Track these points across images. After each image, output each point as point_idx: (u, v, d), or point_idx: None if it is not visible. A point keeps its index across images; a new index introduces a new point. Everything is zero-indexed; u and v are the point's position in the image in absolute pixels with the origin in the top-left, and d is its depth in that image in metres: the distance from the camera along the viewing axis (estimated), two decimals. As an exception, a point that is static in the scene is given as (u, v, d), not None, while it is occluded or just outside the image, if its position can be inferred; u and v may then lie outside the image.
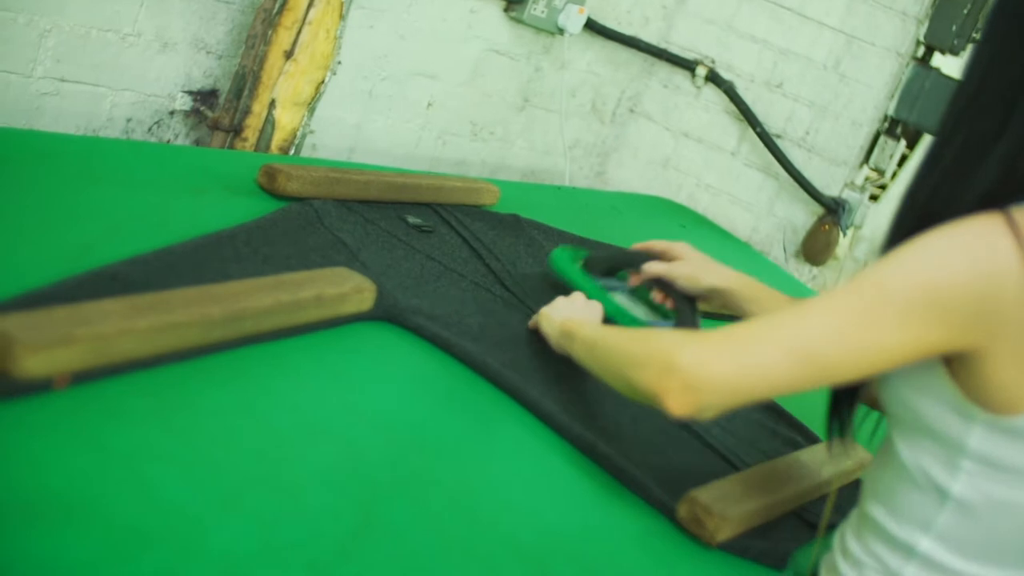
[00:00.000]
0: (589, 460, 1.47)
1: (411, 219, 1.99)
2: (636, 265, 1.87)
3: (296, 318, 1.40)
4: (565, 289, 1.83)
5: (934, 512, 1.18)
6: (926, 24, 3.28)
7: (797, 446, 1.82)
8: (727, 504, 1.40)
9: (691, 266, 1.75)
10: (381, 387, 1.43)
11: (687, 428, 1.69)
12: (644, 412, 1.66)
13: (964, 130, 1.17)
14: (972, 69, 1.20)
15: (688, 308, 1.76)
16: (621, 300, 1.86)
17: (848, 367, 1.13)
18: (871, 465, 1.29)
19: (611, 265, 1.93)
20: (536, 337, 1.74)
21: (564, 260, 1.94)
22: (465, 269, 1.91)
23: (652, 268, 1.77)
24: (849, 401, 1.31)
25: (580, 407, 1.59)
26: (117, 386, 1.13)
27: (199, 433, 1.14)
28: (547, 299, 1.77)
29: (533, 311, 1.80)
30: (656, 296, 1.84)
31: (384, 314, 1.58)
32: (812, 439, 1.88)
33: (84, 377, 1.10)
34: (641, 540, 1.35)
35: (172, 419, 1.14)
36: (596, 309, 1.69)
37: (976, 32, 3.30)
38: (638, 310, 1.86)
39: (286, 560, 1.00)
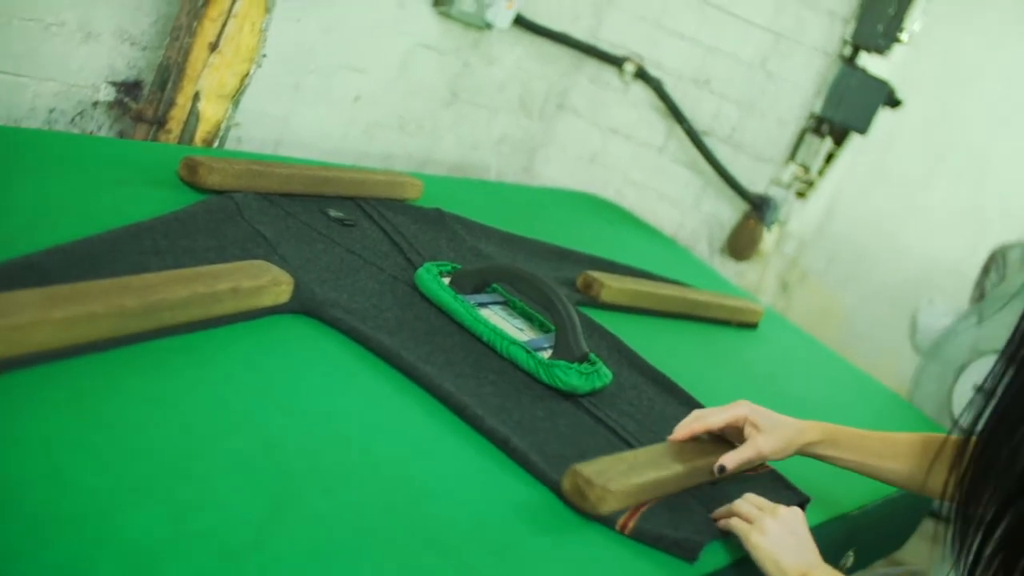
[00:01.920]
0: (503, 453, 1.48)
1: (332, 212, 1.99)
2: (508, 279, 1.87)
3: (212, 310, 1.41)
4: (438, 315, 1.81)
5: None
6: (853, 24, 3.33)
7: (714, 444, 1.82)
8: (610, 477, 1.41)
9: (773, 438, 1.65)
10: (297, 379, 1.43)
11: (602, 421, 1.70)
12: (560, 407, 1.68)
13: None
14: None
15: (567, 321, 1.76)
16: (494, 317, 1.84)
17: None
18: None
19: (481, 279, 1.89)
20: (454, 329, 1.75)
21: (430, 279, 1.86)
22: (385, 263, 1.91)
23: (740, 456, 1.62)
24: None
25: (495, 399, 1.60)
26: (31, 376, 1.13)
27: (113, 422, 1.14)
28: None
29: None
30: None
31: (301, 307, 1.59)
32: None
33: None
34: (556, 534, 1.37)
35: (86, 408, 1.14)
36: (801, 521, 1.50)
37: (901, 32, 3.36)
38: (514, 325, 1.85)
39: (198, 548, 1.01)
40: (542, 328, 1.88)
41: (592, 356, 1.78)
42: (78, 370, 1.19)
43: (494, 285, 1.93)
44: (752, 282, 5.19)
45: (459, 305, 1.79)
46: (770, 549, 1.43)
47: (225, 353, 1.39)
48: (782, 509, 1.48)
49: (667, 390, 1.95)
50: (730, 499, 1.58)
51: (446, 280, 1.87)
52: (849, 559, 1.99)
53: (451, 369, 1.63)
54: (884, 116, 4.83)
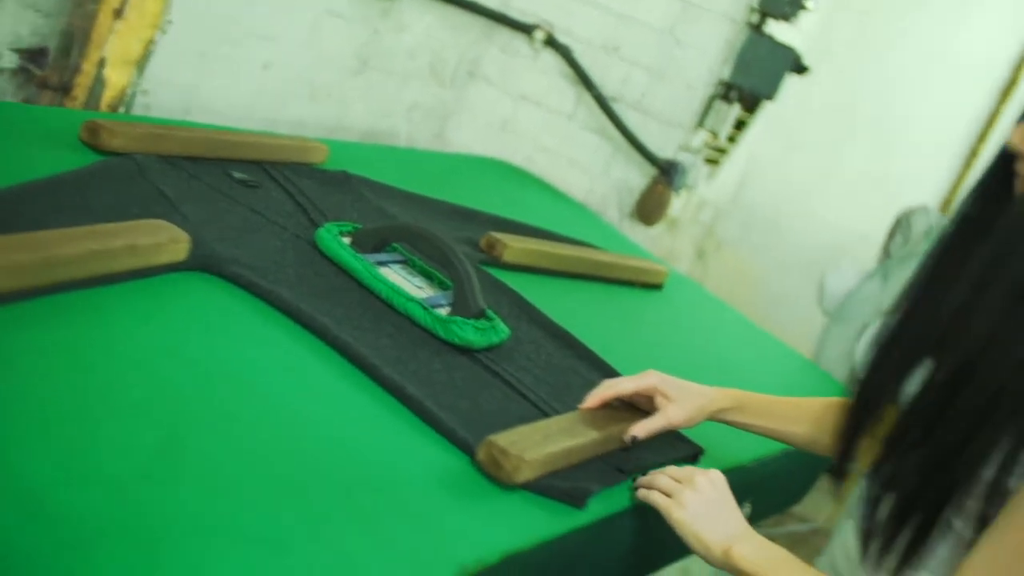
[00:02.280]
0: (399, 402, 1.52)
1: (236, 174, 2.01)
2: (407, 238, 1.90)
3: (109, 266, 1.43)
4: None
5: None
6: (759, -10, 3.38)
7: None
8: (525, 447, 1.45)
9: (683, 407, 1.69)
10: (193, 329, 1.46)
11: (499, 375, 1.74)
12: (456, 358, 1.71)
13: None
14: None
15: (464, 277, 1.80)
16: (394, 275, 1.88)
17: None
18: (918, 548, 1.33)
19: (381, 239, 1.92)
20: (354, 286, 1.78)
21: (330, 237, 1.89)
22: (288, 222, 1.93)
23: (651, 425, 1.66)
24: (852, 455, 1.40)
25: (392, 352, 1.63)
26: None
27: (4, 371, 1.17)
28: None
29: None
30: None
31: (201, 264, 1.61)
32: None
33: None
34: (446, 479, 1.40)
35: None
36: (723, 488, 1.50)
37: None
38: (413, 283, 1.88)
39: (83, 482, 1.05)
40: (441, 286, 1.92)
41: (489, 312, 1.82)
42: None
43: (394, 244, 1.96)
44: (668, 249, 5.25)
45: (358, 263, 1.83)
46: (691, 524, 1.44)
47: (121, 307, 1.42)
48: (700, 479, 1.48)
49: (567, 344, 1.99)
50: (640, 462, 1.64)
51: (347, 240, 1.90)
52: (747, 510, 2.04)
53: (349, 322, 1.67)
54: (798, 85, 4.91)
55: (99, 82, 2.28)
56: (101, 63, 2.26)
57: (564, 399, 1.76)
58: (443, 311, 1.79)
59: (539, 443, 1.48)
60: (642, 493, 1.54)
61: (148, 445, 1.15)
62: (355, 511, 1.24)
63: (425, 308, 1.76)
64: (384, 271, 1.86)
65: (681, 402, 1.68)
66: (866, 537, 1.37)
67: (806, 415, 1.74)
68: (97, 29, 2.24)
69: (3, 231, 1.36)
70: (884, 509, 1.34)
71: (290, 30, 2.86)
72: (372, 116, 3.29)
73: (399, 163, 2.77)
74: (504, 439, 1.45)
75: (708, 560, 1.43)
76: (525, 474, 1.43)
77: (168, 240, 1.53)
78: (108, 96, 2.30)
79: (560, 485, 1.48)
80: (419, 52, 3.33)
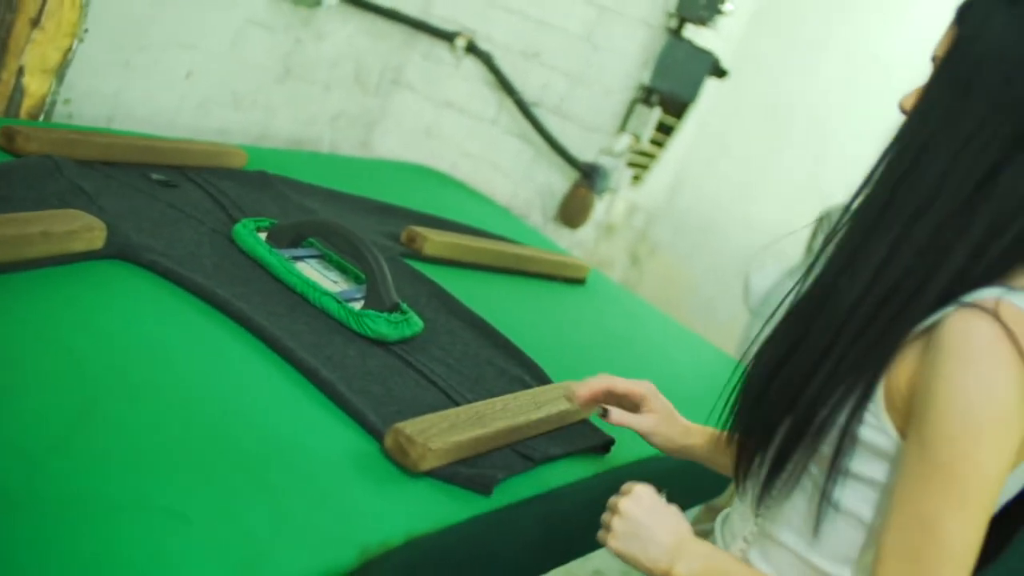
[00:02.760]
0: (312, 385, 1.56)
1: (155, 176, 2.04)
2: (322, 232, 1.94)
3: (22, 252, 1.47)
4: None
5: (864, 549, 1.35)
6: (675, -3, 3.46)
7: (525, 385, 1.91)
8: (431, 436, 1.48)
9: (664, 424, 1.71)
10: (109, 310, 1.50)
11: (412, 365, 1.78)
12: (371, 348, 1.76)
13: (935, 213, 1.28)
14: (927, 152, 1.30)
15: (377, 272, 1.84)
16: (310, 270, 1.92)
17: (991, 512, 1.25)
18: (770, 489, 1.41)
19: (297, 234, 1.96)
20: (269, 280, 1.83)
21: (246, 233, 1.92)
22: (206, 218, 1.97)
23: (625, 420, 1.69)
24: (752, 459, 1.44)
25: (309, 337, 1.67)
26: None
27: None
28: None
29: None
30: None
31: (117, 252, 1.65)
32: (541, 379, 1.97)
33: None
34: (354, 462, 1.44)
35: None
36: (648, 505, 1.45)
37: (722, 4, 3.50)
38: (328, 277, 1.92)
39: None
40: (356, 280, 1.96)
41: (403, 306, 1.86)
42: None
43: (310, 239, 2.00)
44: (603, 255, 5.32)
45: (274, 258, 1.87)
46: (626, 551, 1.42)
47: (35, 289, 1.45)
48: (623, 504, 1.44)
49: (484, 335, 2.04)
50: (548, 451, 1.68)
51: (263, 235, 1.93)
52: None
53: (265, 308, 1.71)
54: (728, 90, 4.99)
55: (18, 91, 2.31)
56: (19, 72, 2.29)
57: (476, 389, 1.81)
58: (357, 305, 1.83)
59: (446, 431, 1.51)
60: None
61: (60, 419, 1.18)
62: (261, 487, 1.28)
63: (339, 302, 1.81)
64: (300, 266, 1.90)
65: (664, 420, 1.71)
66: (739, 477, 1.46)
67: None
68: (14, 38, 2.27)
69: None
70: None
71: (212, 39, 2.90)
72: (297, 124, 3.34)
73: (322, 169, 2.81)
74: (411, 427, 1.48)
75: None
76: (430, 462, 1.47)
77: (82, 228, 1.57)
78: (27, 104, 2.33)
79: (466, 472, 1.51)
80: (342, 60, 3.38)
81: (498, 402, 1.72)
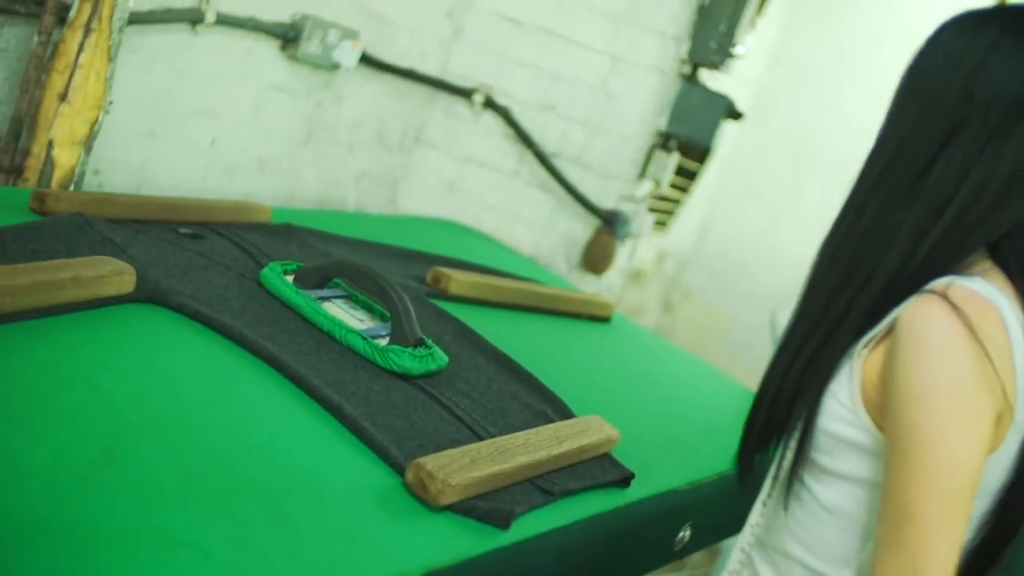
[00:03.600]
0: (336, 420, 1.61)
1: (182, 230, 2.11)
2: (347, 273, 2.00)
3: (54, 297, 1.54)
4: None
5: (858, 549, 1.42)
6: (687, 43, 3.53)
7: (547, 420, 1.94)
8: (452, 471, 1.52)
9: None
10: (138, 351, 1.57)
11: (437, 399, 1.83)
12: (396, 382, 1.80)
13: (879, 200, 1.43)
14: (883, 145, 1.45)
15: (401, 308, 1.90)
16: (335, 309, 1.97)
17: (971, 484, 1.31)
18: (771, 505, 1.51)
19: (323, 275, 2.02)
20: (296, 319, 1.89)
21: (274, 276, 1.98)
22: (234, 264, 2.03)
23: None
24: (759, 448, 1.53)
25: (334, 374, 1.73)
26: None
27: None
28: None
29: None
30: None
31: (147, 296, 1.71)
32: (564, 413, 2.00)
33: None
34: (375, 495, 1.49)
35: None
36: None
37: (733, 48, 3.57)
38: (354, 316, 1.98)
39: (26, 485, 1.15)
40: (382, 318, 2.02)
41: (428, 341, 1.92)
42: None
43: (336, 280, 2.06)
44: (635, 303, 5.37)
45: (301, 299, 1.93)
46: None
47: (65, 331, 1.52)
48: None
49: (507, 369, 2.08)
50: (567, 485, 1.72)
51: (290, 278, 2.00)
52: (686, 536, 2.10)
53: (292, 346, 1.76)
54: (751, 133, 5.05)
55: (48, 163, 2.39)
56: (49, 145, 2.38)
57: (499, 423, 1.84)
58: (383, 341, 1.89)
59: (466, 467, 1.55)
60: None
61: (85, 453, 1.24)
62: (281, 521, 1.33)
63: (364, 338, 1.86)
64: (326, 306, 1.96)
65: None
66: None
67: None
68: (43, 113, 2.36)
69: None
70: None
71: (234, 106, 2.98)
72: (322, 186, 3.42)
73: (347, 225, 2.87)
74: (432, 462, 1.52)
75: None
76: (449, 497, 1.50)
77: (111, 272, 1.64)
78: (58, 176, 2.42)
79: (484, 506, 1.55)
80: (364, 121, 3.46)
81: (520, 436, 1.75)
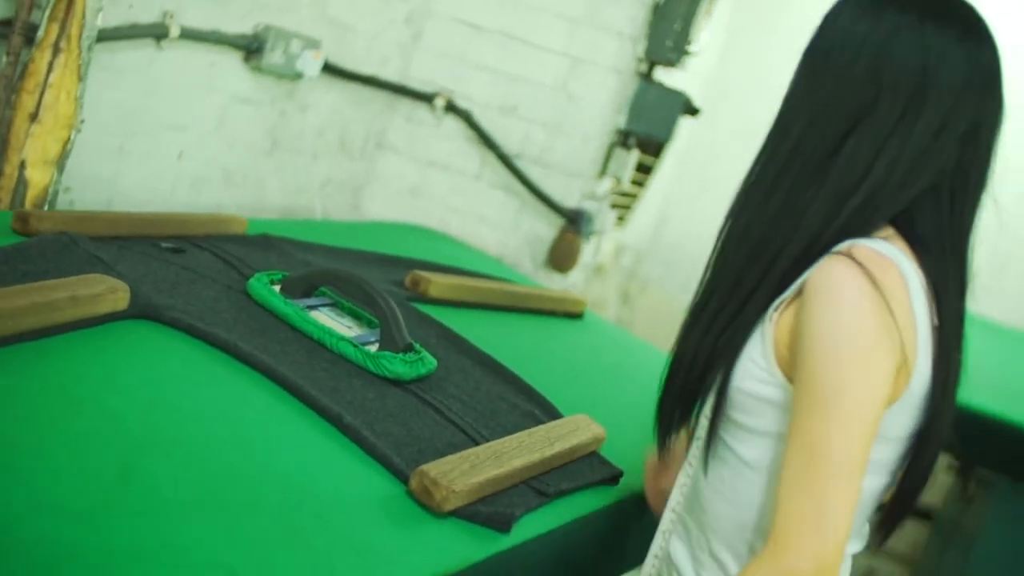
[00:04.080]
0: (336, 430, 1.64)
1: (164, 244, 2.13)
2: (333, 281, 2.03)
3: (52, 318, 1.56)
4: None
5: None
6: (643, 42, 3.57)
7: (536, 420, 1.98)
8: (455, 477, 1.55)
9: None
10: (138, 369, 1.59)
11: (429, 403, 1.86)
12: (389, 389, 1.83)
13: (789, 179, 1.48)
14: (789, 125, 1.50)
15: (389, 315, 1.93)
16: (324, 318, 1.99)
17: (872, 431, 1.39)
18: (696, 465, 1.58)
19: (309, 284, 2.05)
20: (286, 328, 1.92)
21: (261, 286, 2.00)
22: (219, 276, 2.05)
23: None
24: (681, 416, 1.61)
25: (328, 382, 1.75)
26: None
27: None
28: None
29: None
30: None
31: (140, 312, 1.73)
32: (551, 413, 2.04)
33: None
34: (380, 504, 1.52)
35: None
36: None
37: (688, 45, 3.61)
38: (342, 322, 2.00)
39: (54, 512, 1.17)
40: (369, 325, 2.04)
41: (416, 346, 1.94)
42: None
43: (322, 288, 2.08)
44: (596, 297, 5.41)
45: (289, 308, 1.95)
46: None
47: (67, 352, 1.54)
48: None
49: (493, 371, 2.12)
50: (560, 485, 1.76)
51: (276, 287, 2.02)
52: None
53: (286, 357, 1.79)
54: (702, 128, 5.10)
55: (21, 183, 2.40)
56: (22, 165, 2.39)
57: (491, 425, 1.88)
58: (372, 348, 1.91)
59: (467, 472, 1.59)
60: None
61: (102, 477, 1.27)
62: (296, 535, 1.35)
63: (355, 346, 1.88)
64: (314, 314, 1.98)
65: None
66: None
67: None
68: (14, 133, 2.37)
69: None
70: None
71: (200, 119, 3.00)
72: (287, 194, 3.43)
73: (317, 234, 2.89)
74: (435, 469, 1.55)
75: None
76: (453, 503, 1.54)
77: (106, 290, 1.66)
78: (31, 195, 2.42)
79: (486, 511, 1.58)
80: (327, 128, 3.48)
81: (514, 439, 1.79)
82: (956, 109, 1.45)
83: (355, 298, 2.02)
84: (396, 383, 1.88)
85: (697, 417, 1.60)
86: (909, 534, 4.67)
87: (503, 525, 1.59)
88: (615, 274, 5.98)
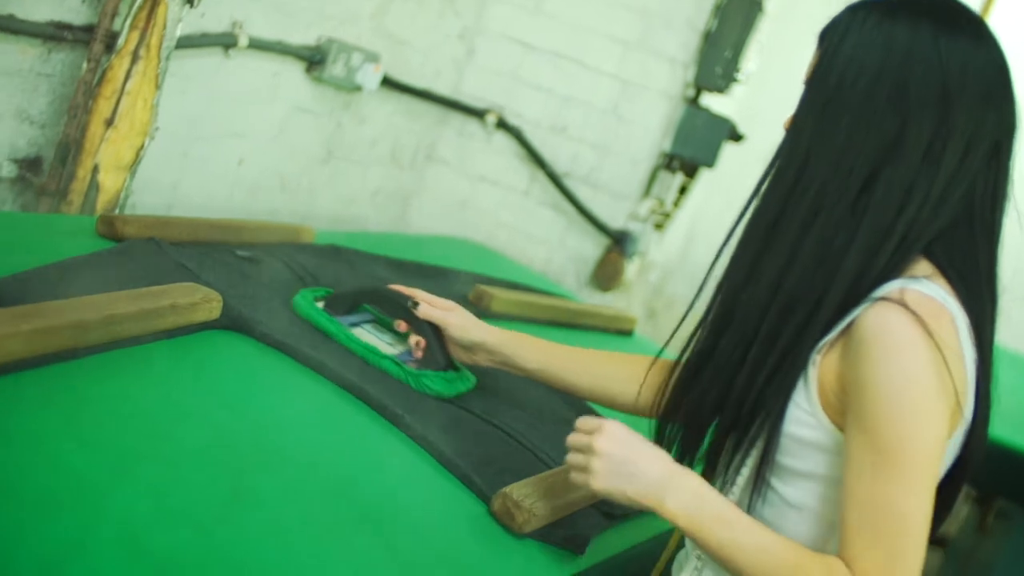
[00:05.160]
0: (421, 448, 1.68)
1: (239, 252, 2.18)
2: (376, 299, 2.05)
3: (156, 324, 1.61)
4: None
5: (823, 539, 1.47)
6: (693, 68, 3.62)
7: None
8: (534, 501, 1.59)
9: (462, 317, 1.87)
10: (238, 381, 1.64)
11: (496, 426, 1.89)
12: (457, 410, 1.87)
13: (817, 226, 1.42)
14: (806, 168, 1.43)
15: (435, 340, 1.94)
16: (366, 335, 2.01)
17: (936, 480, 1.37)
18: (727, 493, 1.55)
19: (353, 301, 2.06)
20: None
21: (306, 304, 2.02)
22: (293, 287, 2.10)
23: (427, 313, 1.87)
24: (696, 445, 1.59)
25: (411, 402, 1.80)
26: (9, 381, 1.34)
27: (87, 415, 1.35)
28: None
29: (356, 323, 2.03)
30: (400, 326, 1.99)
31: (231, 323, 1.78)
32: None
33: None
34: (466, 522, 1.56)
35: (61, 406, 1.35)
36: (623, 439, 1.47)
37: (737, 73, 3.66)
38: (383, 339, 2.01)
39: (177, 525, 1.21)
40: (407, 339, 2.04)
41: (456, 363, 1.97)
42: (47, 376, 1.39)
43: (365, 305, 2.11)
44: (622, 307, 5.44)
45: (333, 326, 1.97)
46: (614, 489, 1.44)
47: (166, 360, 1.60)
48: (597, 443, 1.45)
49: (554, 390, 2.15)
50: (626, 509, 1.73)
51: (320, 304, 2.05)
52: None
53: (369, 374, 1.83)
54: (732, 149, 5.14)
55: (93, 187, 2.45)
56: (95, 169, 2.44)
57: (559, 447, 1.91)
58: (414, 365, 1.94)
59: (544, 496, 1.63)
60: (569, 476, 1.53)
61: (218, 490, 1.31)
62: (396, 552, 1.40)
63: (397, 363, 1.91)
64: (357, 331, 2.01)
65: (463, 315, 1.89)
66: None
67: (598, 362, 1.88)
68: (89, 138, 2.42)
69: (58, 296, 1.54)
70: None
71: (261, 127, 3.05)
72: (339, 203, 3.48)
73: (373, 246, 2.94)
74: (516, 492, 1.60)
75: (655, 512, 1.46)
76: (533, 525, 1.58)
77: (202, 299, 1.71)
78: (103, 200, 2.47)
79: (562, 533, 1.63)
80: (380, 140, 3.53)
81: None
82: (980, 124, 1.40)
83: (396, 316, 2.05)
84: (463, 405, 1.91)
85: (734, 459, 1.54)
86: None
87: (578, 547, 1.63)
88: (640, 290, 6.01)
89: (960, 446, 1.46)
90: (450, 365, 1.95)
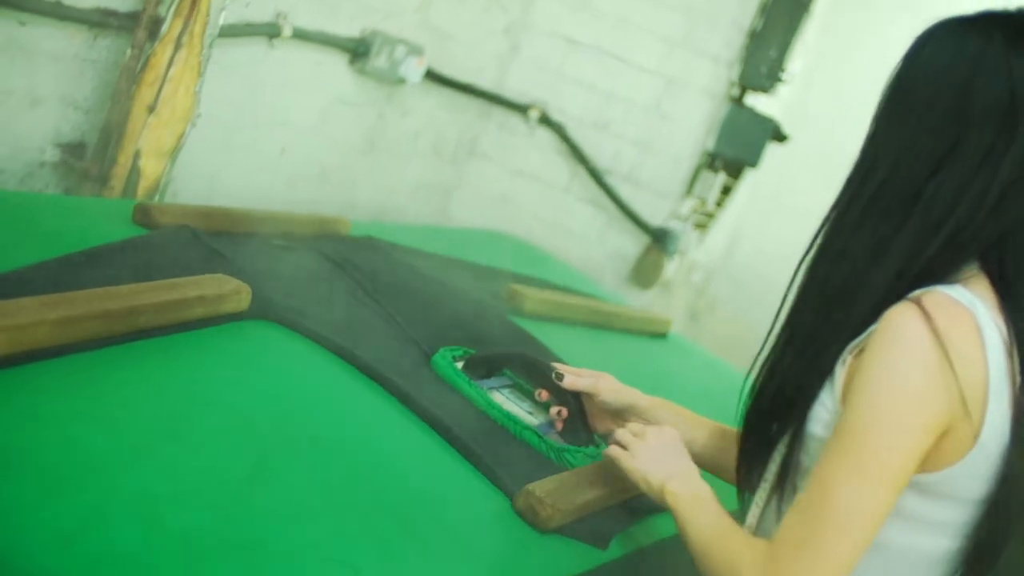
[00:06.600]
0: (444, 441, 1.69)
1: (276, 242, 2.19)
2: (518, 365, 2.03)
3: (183, 315, 1.63)
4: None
5: None
6: (737, 67, 3.60)
7: None
8: (559, 497, 1.60)
9: (612, 382, 1.88)
10: (264, 369, 1.65)
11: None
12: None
13: (872, 221, 1.43)
14: (872, 168, 1.45)
15: (578, 413, 1.91)
16: (505, 401, 1.98)
17: (895, 484, 1.35)
18: (762, 507, 1.55)
19: (493, 365, 2.05)
20: (395, 333, 1.96)
21: (445, 364, 2.01)
22: (329, 276, 2.13)
23: (573, 383, 1.86)
24: (760, 457, 1.56)
25: (438, 396, 1.81)
26: (35, 368, 1.36)
27: (109, 400, 1.37)
28: (403, 306, 2.05)
29: (392, 315, 2.04)
30: (541, 395, 1.96)
31: (261, 314, 1.79)
32: None
33: (4, 363, 1.33)
34: (489, 514, 1.57)
35: (85, 390, 1.37)
36: (671, 440, 1.67)
37: (782, 72, 3.64)
38: (523, 407, 1.98)
39: (193, 503, 1.23)
40: (545, 408, 2.01)
41: (596, 437, 1.95)
42: (73, 364, 1.41)
43: (505, 370, 2.08)
44: (662, 312, 5.43)
45: (473, 391, 1.95)
46: (639, 469, 1.60)
47: (193, 350, 1.61)
48: (650, 432, 1.66)
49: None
50: (652, 505, 1.75)
51: (459, 364, 2.02)
52: None
53: (397, 367, 1.84)
54: (778, 151, 5.12)
55: (135, 172, 2.46)
56: (136, 155, 2.45)
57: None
58: (555, 438, 1.91)
59: (569, 493, 1.63)
60: (605, 451, 1.71)
61: (239, 470, 1.33)
62: (417, 540, 1.40)
63: (540, 436, 1.88)
64: (495, 396, 1.98)
65: (614, 381, 1.88)
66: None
67: (706, 430, 1.87)
68: (132, 124, 2.43)
69: (87, 285, 1.55)
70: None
71: (303, 117, 3.06)
72: (380, 194, 3.49)
73: (414, 238, 2.94)
74: (541, 489, 1.60)
75: (652, 497, 1.59)
76: (557, 521, 1.58)
77: (231, 291, 1.73)
78: (144, 186, 2.49)
79: (586, 528, 1.63)
80: (422, 133, 3.54)
81: (605, 464, 1.79)
82: None
83: (539, 385, 2.00)
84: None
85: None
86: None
87: (601, 542, 1.63)
88: (683, 291, 6.00)
89: (997, 471, 1.40)
90: (591, 440, 1.93)
